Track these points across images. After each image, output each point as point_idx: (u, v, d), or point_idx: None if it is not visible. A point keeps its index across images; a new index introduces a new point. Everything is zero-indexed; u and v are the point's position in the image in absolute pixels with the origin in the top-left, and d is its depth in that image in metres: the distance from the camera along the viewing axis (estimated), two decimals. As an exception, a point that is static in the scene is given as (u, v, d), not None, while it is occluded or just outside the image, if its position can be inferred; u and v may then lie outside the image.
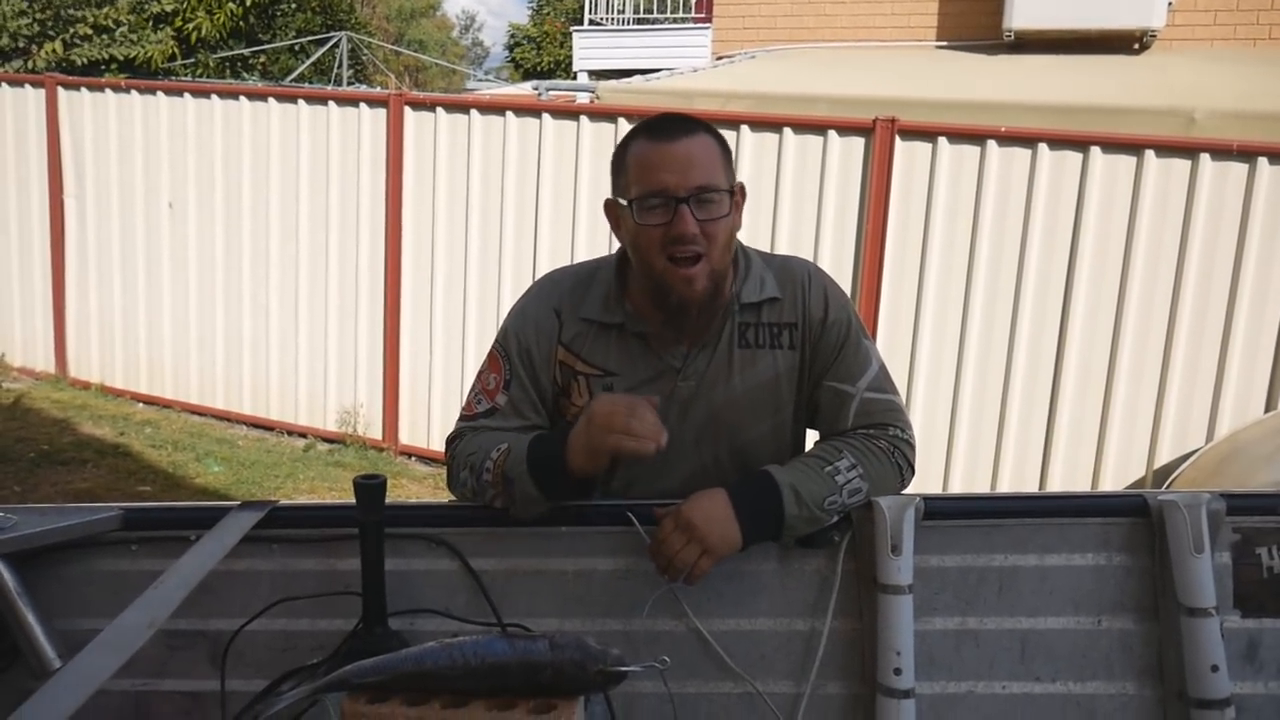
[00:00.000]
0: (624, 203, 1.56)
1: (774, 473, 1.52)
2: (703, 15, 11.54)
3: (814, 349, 1.64)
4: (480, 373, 1.69)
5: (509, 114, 5.67)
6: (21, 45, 11.09)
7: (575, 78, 11.90)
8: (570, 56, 13.04)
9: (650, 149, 1.52)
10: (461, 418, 1.68)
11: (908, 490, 1.61)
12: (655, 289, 1.55)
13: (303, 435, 6.31)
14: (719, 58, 9.54)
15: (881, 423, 1.62)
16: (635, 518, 1.53)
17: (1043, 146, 4.73)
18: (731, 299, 1.62)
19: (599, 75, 10.85)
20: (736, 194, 1.57)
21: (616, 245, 1.70)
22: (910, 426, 1.65)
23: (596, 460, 1.45)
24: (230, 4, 13.55)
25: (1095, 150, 4.66)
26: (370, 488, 1.44)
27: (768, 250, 1.79)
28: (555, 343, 1.64)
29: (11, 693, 1.49)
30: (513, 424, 1.63)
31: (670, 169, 1.49)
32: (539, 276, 1.77)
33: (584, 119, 5.51)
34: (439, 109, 5.80)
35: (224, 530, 1.52)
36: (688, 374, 1.63)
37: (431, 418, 6.03)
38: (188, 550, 1.47)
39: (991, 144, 4.80)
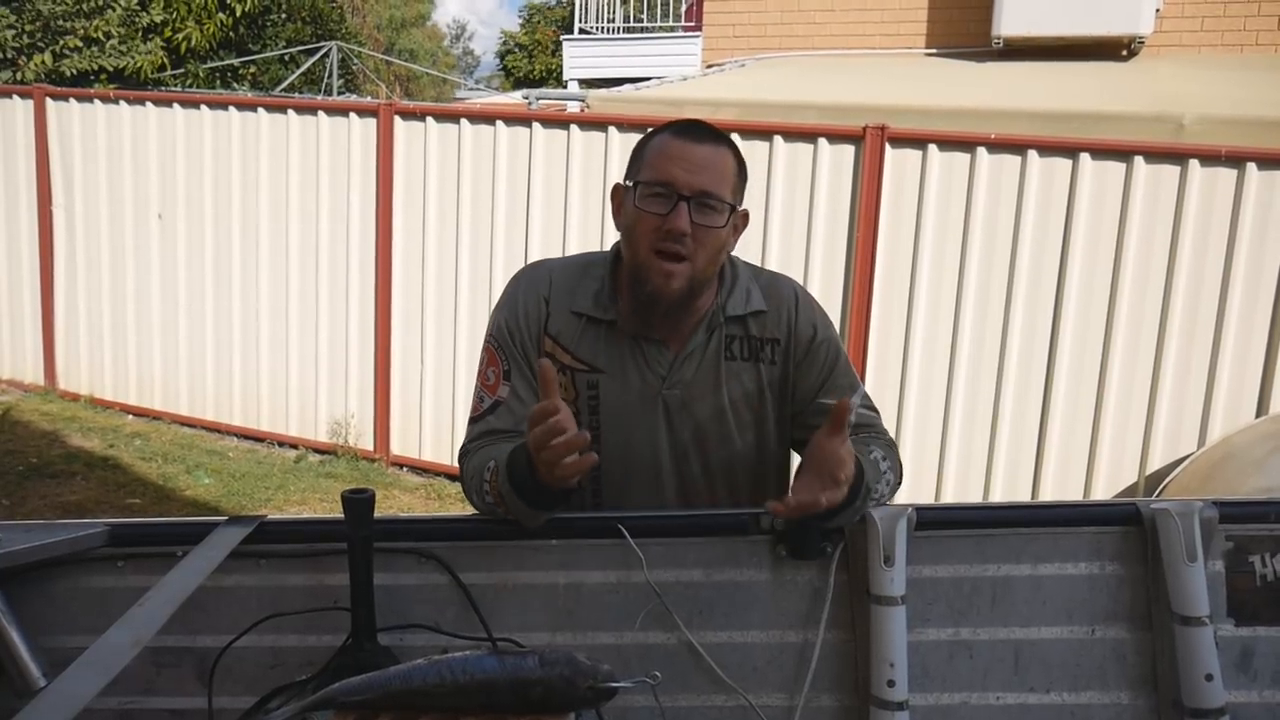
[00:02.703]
0: (630, 185, 1.58)
1: (861, 460, 1.48)
2: (692, 24, 11.57)
3: (798, 367, 1.66)
4: (479, 371, 1.68)
5: (499, 123, 5.66)
6: (10, 56, 11.06)
7: (565, 86, 11.92)
8: (560, 65, 13.05)
9: (672, 143, 1.55)
10: (470, 421, 1.67)
11: (900, 500, 1.61)
12: (633, 276, 1.57)
13: (294, 446, 6.28)
14: (709, 66, 9.55)
15: (878, 430, 1.67)
16: (625, 530, 1.52)
17: (1032, 153, 4.74)
18: (716, 310, 1.63)
19: (589, 84, 10.86)
20: (737, 216, 1.59)
21: (609, 245, 1.70)
22: None
23: (558, 479, 1.40)
24: (220, 14, 13.53)
25: (1085, 156, 4.67)
26: (358, 502, 1.42)
27: (757, 261, 1.81)
28: (542, 331, 1.64)
29: (-4, 712, 1.48)
30: (519, 415, 1.61)
31: (683, 166, 1.53)
32: (525, 264, 1.76)
33: (574, 128, 5.51)
34: (429, 118, 5.79)
35: (211, 546, 1.50)
36: (672, 382, 1.64)
37: (423, 428, 6.01)
38: (174, 567, 1.46)
39: (981, 151, 4.81)
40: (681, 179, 1.52)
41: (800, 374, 1.66)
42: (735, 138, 5.14)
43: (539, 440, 1.35)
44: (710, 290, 1.62)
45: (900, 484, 1.63)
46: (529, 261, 5.48)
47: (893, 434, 1.71)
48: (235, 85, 14.20)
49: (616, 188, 1.65)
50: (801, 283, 1.83)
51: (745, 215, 1.63)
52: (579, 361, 1.63)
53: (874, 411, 1.70)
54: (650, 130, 1.63)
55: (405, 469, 6.10)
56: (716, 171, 1.54)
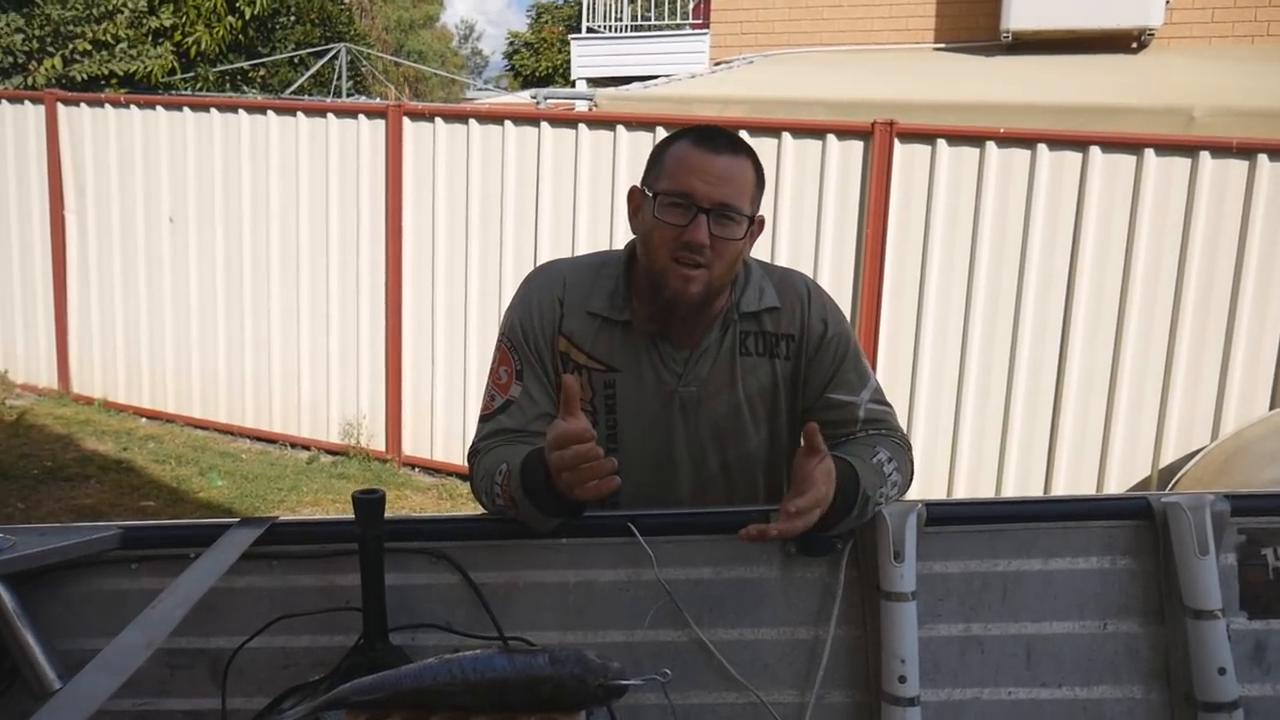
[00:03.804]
0: (649, 194, 1.58)
1: (857, 467, 1.47)
2: (700, 21, 11.58)
3: (809, 363, 1.66)
4: (491, 370, 1.68)
5: (508, 123, 5.67)
6: (19, 62, 11.11)
7: (573, 85, 11.92)
8: (568, 64, 13.06)
9: (691, 152, 1.55)
10: (480, 419, 1.67)
11: (910, 496, 1.61)
12: (651, 281, 1.58)
13: (306, 448, 6.30)
14: (717, 63, 9.54)
15: (889, 426, 1.66)
16: (636, 528, 1.52)
17: (1042, 147, 4.72)
18: (730, 308, 1.64)
19: (597, 82, 10.86)
20: (755, 224, 1.60)
21: (619, 244, 1.70)
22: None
23: (577, 497, 1.39)
24: (229, 18, 13.56)
25: (1095, 150, 4.65)
26: (369, 503, 1.43)
27: (767, 257, 1.80)
28: (556, 331, 1.64)
29: (11, 714, 1.49)
30: (530, 414, 1.62)
31: (703, 177, 1.52)
32: (538, 264, 1.75)
33: (582, 127, 5.51)
34: (438, 119, 5.80)
35: (223, 547, 1.51)
36: (688, 380, 1.64)
37: (434, 428, 6.03)
38: (187, 568, 1.46)
39: (991, 145, 4.79)
40: (701, 191, 1.51)
41: (811, 369, 1.66)
42: (744, 135, 5.14)
43: (562, 463, 1.35)
44: (723, 294, 1.63)
45: (910, 483, 1.63)
46: (539, 261, 5.51)
47: (904, 430, 1.70)
48: (245, 88, 14.24)
49: (633, 190, 1.65)
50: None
51: (761, 222, 1.63)
52: (594, 361, 1.64)
53: (885, 406, 1.68)
54: (668, 135, 1.63)
55: (417, 469, 6.12)
56: (736, 184, 1.54)
